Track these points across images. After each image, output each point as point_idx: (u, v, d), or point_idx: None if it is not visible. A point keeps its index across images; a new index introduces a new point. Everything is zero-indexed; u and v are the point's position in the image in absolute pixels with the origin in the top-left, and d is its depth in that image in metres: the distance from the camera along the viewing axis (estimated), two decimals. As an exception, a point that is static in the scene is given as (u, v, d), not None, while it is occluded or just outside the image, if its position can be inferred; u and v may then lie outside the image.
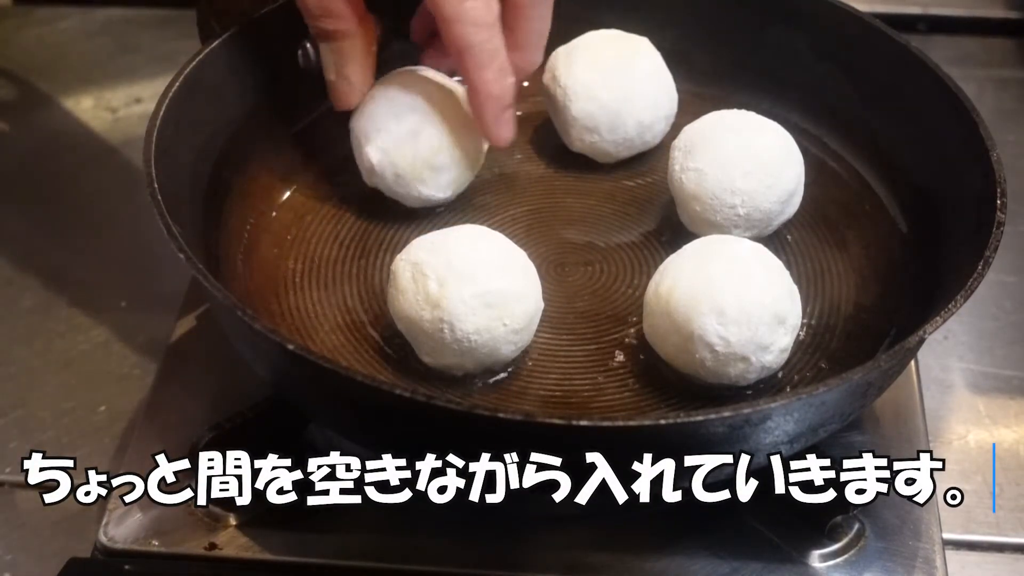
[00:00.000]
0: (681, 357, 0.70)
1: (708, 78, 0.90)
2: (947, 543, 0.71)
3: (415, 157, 0.78)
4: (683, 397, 0.71)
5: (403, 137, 0.78)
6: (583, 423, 0.59)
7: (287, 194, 0.83)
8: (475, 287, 0.68)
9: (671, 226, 0.81)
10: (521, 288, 0.70)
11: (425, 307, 0.68)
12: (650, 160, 0.87)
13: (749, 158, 0.76)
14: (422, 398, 0.59)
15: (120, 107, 1.06)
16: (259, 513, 0.70)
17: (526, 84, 0.91)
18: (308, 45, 0.81)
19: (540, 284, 0.72)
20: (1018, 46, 1.15)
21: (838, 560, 0.69)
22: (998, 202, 0.69)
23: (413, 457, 0.67)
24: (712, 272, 0.69)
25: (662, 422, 0.59)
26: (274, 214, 0.83)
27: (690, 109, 0.86)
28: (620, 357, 0.74)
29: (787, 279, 0.71)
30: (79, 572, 0.67)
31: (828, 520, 0.69)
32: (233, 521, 0.70)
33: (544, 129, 0.88)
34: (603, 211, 0.84)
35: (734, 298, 0.68)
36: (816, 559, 0.69)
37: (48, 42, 1.14)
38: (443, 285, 0.68)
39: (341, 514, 0.70)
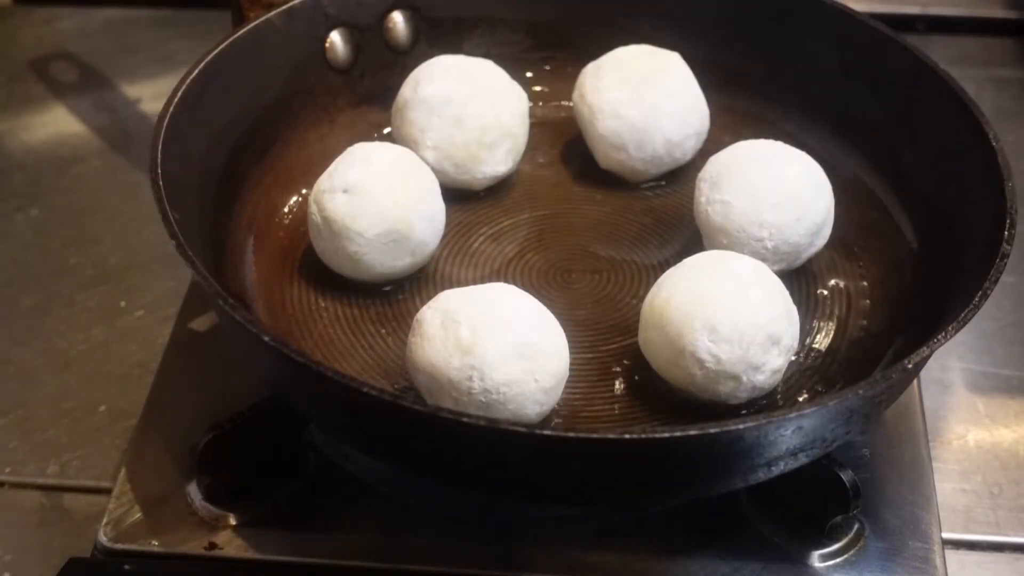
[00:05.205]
0: (672, 371, 0.70)
1: (740, 90, 0.90)
2: (947, 543, 0.71)
3: (467, 142, 0.81)
4: (672, 412, 0.71)
5: (448, 129, 0.80)
6: (547, 433, 0.60)
7: (304, 189, 0.83)
8: (510, 336, 0.66)
9: (688, 240, 0.81)
10: (554, 346, 0.68)
11: (455, 354, 0.65)
12: (678, 175, 0.86)
13: (778, 190, 0.75)
14: (407, 403, 0.59)
15: (120, 107, 1.06)
16: (259, 513, 0.70)
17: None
18: (335, 37, 0.82)
19: (568, 350, 0.70)
20: (1018, 46, 1.15)
21: (838, 560, 0.69)
22: (1005, 233, 0.68)
23: (406, 461, 0.67)
24: (708, 288, 0.68)
25: (626, 436, 0.59)
26: (288, 207, 0.83)
27: (721, 122, 0.86)
28: (616, 368, 0.74)
29: (786, 300, 0.70)
30: (79, 572, 0.67)
31: (828, 520, 0.69)
32: (233, 521, 0.70)
33: (576, 142, 0.88)
34: (620, 221, 0.84)
35: (727, 316, 0.67)
36: (816, 559, 0.69)
37: (48, 42, 1.14)
38: (476, 332, 0.65)
39: (341, 514, 0.71)
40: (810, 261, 0.79)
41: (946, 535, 0.72)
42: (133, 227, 0.94)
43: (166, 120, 0.73)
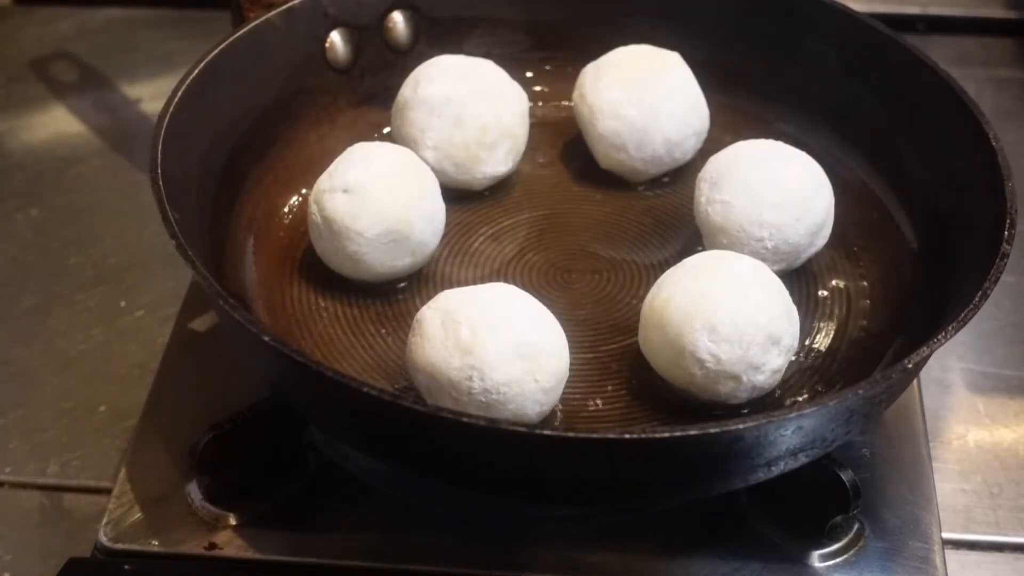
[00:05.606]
0: (672, 371, 0.70)
1: (740, 90, 0.90)
2: (947, 543, 0.71)
3: (467, 142, 0.81)
4: (672, 412, 0.71)
5: (449, 129, 0.81)
6: (547, 433, 0.60)
7: (304, 189, 0.83)
8: (510, 336, 0.66)
9: (688, 240, 0.81)
10: (554, 346, 0.68)
11: (455, 354, 0.65)
12: (678, 175, 0.86)
13: (777, 190, 0.75)
14: (407, 403, 0.59)
15: (120, 107, 1.06)
16: (259, 513, 0.70)
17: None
18: (335, 37, 0.82)
19: (568, 350, 0.70)
20: (1017, 46, 1.15)
21: (838, 560, 0.69)
22: (1005, 233, 0.68)
23: (406, 461, 0.67)
24: (708, 288, 0.68)
25: (626, 436, 0.59)
26: (288, 207, 0.83)
27: (721, 122, 0.86)
28: (616, 368, 0.74)
29: (786, 300, 0.70)
30: (79, 572, 0.67)
31: (828, 520, 0.69)
32: (233, 521, 0.70)
33: (576, 142, 0.88)
34: (620, 221, 0.84)
35: (727, 316, 0.67)
36: (816, 559, 0.69)
37: (48, 42, 1.14)
38: (476, 332, 0.65)
39: (341, 514, 0.71)
40: (810, 261, 0.79)
41: (946, 535, 0.72)
42: (133, 227, 0.94)
43: (166, 120, 0.73)
